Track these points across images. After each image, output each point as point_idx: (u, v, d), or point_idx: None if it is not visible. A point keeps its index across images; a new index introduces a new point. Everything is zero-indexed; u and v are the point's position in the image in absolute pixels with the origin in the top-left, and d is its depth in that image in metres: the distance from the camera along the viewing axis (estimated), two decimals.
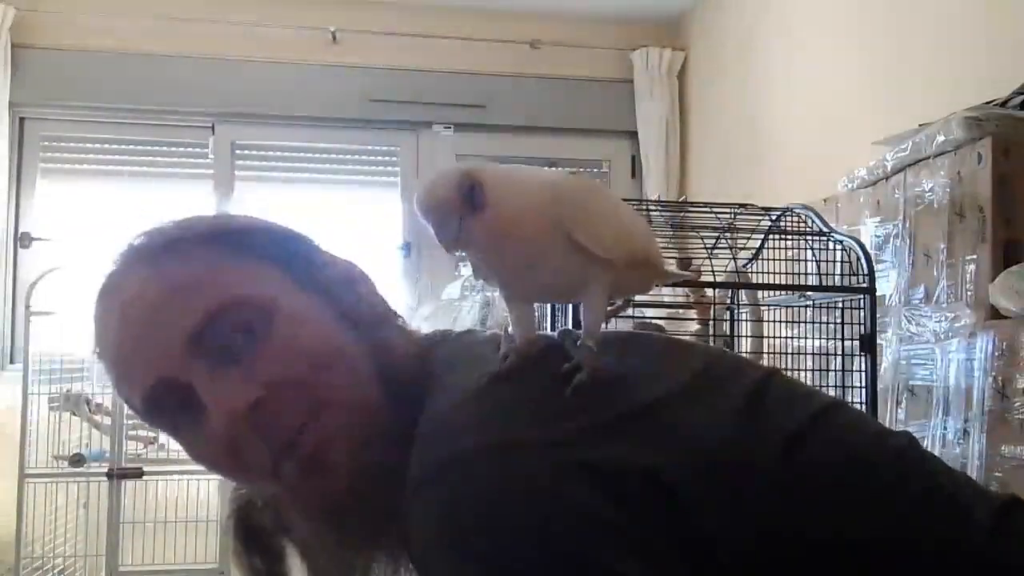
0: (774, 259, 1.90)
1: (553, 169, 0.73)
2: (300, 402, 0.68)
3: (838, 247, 1.78)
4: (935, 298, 1.77)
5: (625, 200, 2.36)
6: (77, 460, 2.88)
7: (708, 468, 0.63)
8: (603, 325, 0.75)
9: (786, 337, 1.96)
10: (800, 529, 0.64)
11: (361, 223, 3.99)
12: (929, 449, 1.71)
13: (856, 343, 1.72)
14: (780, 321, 1.95)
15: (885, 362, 1.87)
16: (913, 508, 0.67)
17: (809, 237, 1.82)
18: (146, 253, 0.72)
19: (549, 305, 1.88)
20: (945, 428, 1.70)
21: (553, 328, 2.06)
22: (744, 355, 1.97)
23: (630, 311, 1.82)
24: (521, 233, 0.68)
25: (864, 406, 1.72)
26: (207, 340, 0.68)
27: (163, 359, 0.68)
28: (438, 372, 0.73)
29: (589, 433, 0.62)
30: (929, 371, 1.77)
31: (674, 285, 1.96)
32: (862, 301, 1.72)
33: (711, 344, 1.90)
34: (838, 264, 1.78)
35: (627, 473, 0.60)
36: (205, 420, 0.68)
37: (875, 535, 0.65)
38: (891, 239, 1.93)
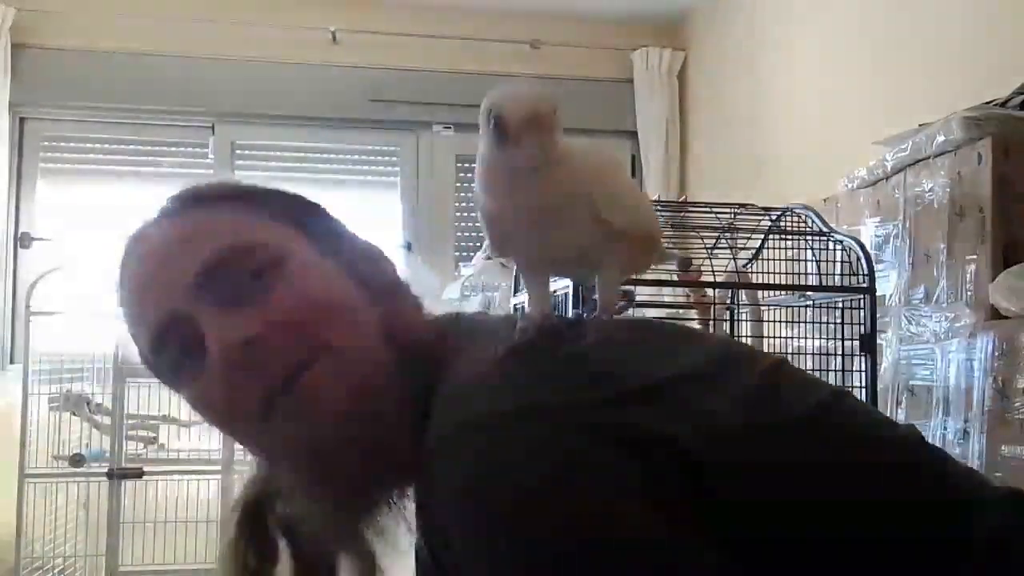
0: (774, 259, 1.89)
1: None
2: (299, 343, 0.69)
3: (838, 247, 1.77)
4: (935, 298, 1.77)
5: None
6: (77, 460, 2.88)
7: (724, 443, 0.63)
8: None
9: (786, 337, 1.95)
10: (810, 507, 0.64)
11: (361, 223, 3.98)
12: None
13: (856, 343, 1.72)
14: (780, 321, 1.95)
15: (885, 362, 1.87)
16: (923, 492, 0.67)
17: (809, 237, 1.81)
18: (172, 206, 0.76)
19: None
20: (945, 428, 1.70)
21: None
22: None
23: (630, 311, 1.82)
24: (568, 190, 0.71)
25: None
26: (218, 279, 0.70)
27: (173, 292, 0.70)
28: (455, 344, 0.73)
29: (611, 401, 0.63)
30: (929, 371, 1.77)
31: (674, 285, 1.96)
32: (862, 301, 1.72)
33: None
34: (838, 264, 1.78)
35: (649, 439, 0.61)
36: (205, 358, 0.69)
37: (884, 517, 0.65)
38: (891, 239, 1.93)
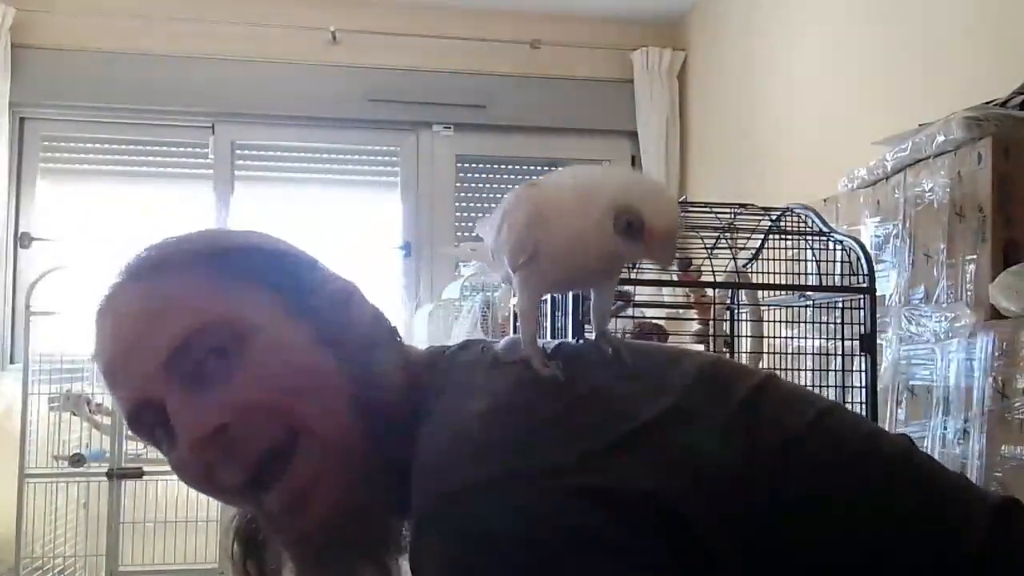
0: (774, 259, 1.89)
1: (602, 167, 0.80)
2: (271, 427, 0.68)
3: (838, 247, 1.77)
4: (935, 298, 1.77)
5: None
6: (77, 460, 2.88)
7: (705, 485, 0.63)
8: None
9: (786, 337, 1.95)
10: (798, 537, 0.64)
11: (361, 223, 3.99)
12: (929, 449, 1.71)
13: (856, 343, 1.72)
14: (780, 321, 1.95)
15: (885, 362, 1.87)
16: (909, 512, 0.67)
17: (809, 237, 1.81)
18: (140, 268, 0.73)
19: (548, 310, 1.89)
20: (945, 428, 1.70)
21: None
22: (744, 355, 1.98)
23: (630, 311, 1.83)
24: (586, 241, 0.71)
25: (864, 406, 1.72)
26: (182, 361, 0.68)
27: (142, 379, 0.69)
28: (431, 398, 0.72)
29: (587, 458, 0.62)
30: (929, 371, 1.77)
31: (674, 285, 1.96)
32: (862, 301, 1.72)
33: (705, 349, 1.90)
34: (838, 264, 1.78)
35: (627, 496, 0.60)
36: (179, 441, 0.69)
37: (872, 540, 0.65)
38: (891, 239, 1.92)
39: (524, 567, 0.58)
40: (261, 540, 0.77)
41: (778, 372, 1.92)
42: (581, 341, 0.80)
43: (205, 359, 0.69)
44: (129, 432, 2.91)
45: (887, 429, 1.84)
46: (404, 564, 0.73)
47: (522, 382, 0.69)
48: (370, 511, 0.70)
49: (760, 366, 1.97)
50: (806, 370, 1.87)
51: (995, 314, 1.61)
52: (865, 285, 1.71)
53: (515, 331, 2.24)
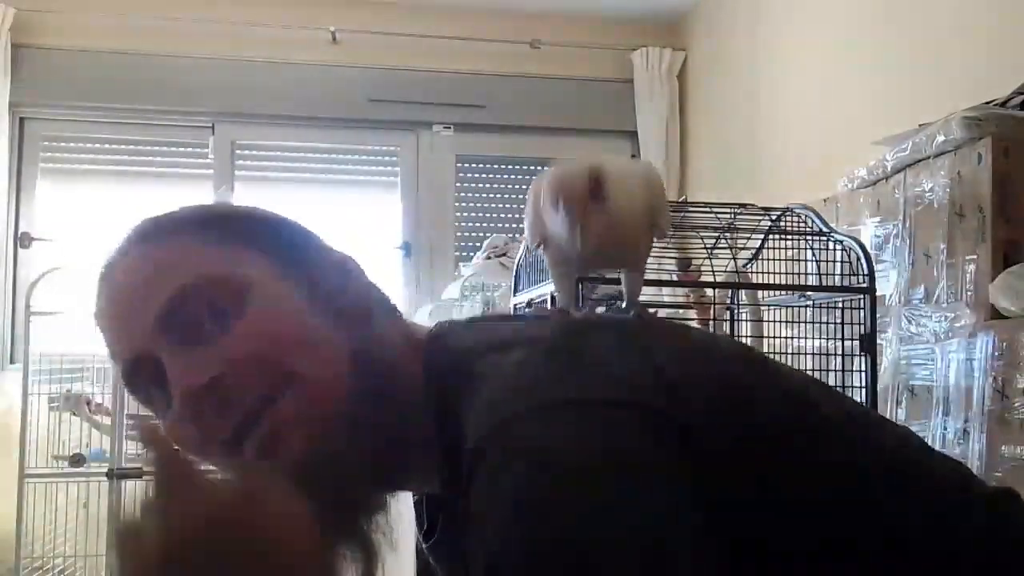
0: (774, 259, 1.89)
1: (638, 160, 0.86)
2: (261, 379, 0.69)
3: (838, 247, 1.77)
4: (935, 298, 1.77)
5: None
6: (77, 460, 2.88)
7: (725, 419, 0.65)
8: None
9: (786, 337, 1.95)
10: (790, 523, 0.65)
11: (361, 223, 3.99)
12: None
13: (856, 343, 1.72)
14: (780, 321, 1.95)
15: (885, 362, 1.87)
16: (905, 497, 0.68)
17: (809, 237, 1.81)
18: (137, 234, 0.75)
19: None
20: (945, 428, 1.70)
21: None
22: None
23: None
24: (630, 221, 0.75)
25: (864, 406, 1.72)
26: (177, 317, 0.69)
27: (137, 335, 0.70)
28: (456, 362, 0.71)
29: (637, 390, 0.63)
30: (929, 371, 1.77)
31: (674, 285, 1.96)
32: (862, 301, 1.72)
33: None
34: (838, 264, 1.78)
35: (673, 425, 0.62)
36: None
37: (869, 520, 0.65)
38: (891, 239, 1.92)
39: (588, 482, 0.58)
40: None
41: None
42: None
43: (200, 317, 0.69)
44: (130, 432, 2.93)
45: None
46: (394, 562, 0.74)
47: (562, 328, 0.72)
48: (348, 467, 0.69)
49: None
50: (806, 370, 1.86)
51: (995, 314, 1.61)
52: (865, 285, 1.71)
53: None
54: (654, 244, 0.82)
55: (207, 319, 0.69)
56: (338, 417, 0.69)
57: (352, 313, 0.74)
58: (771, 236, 1.87)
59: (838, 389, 1.72)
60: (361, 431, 0.69)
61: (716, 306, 1.92)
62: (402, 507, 0.77)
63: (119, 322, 0.72)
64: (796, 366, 1.91)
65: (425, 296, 3.80)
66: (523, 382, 0.64)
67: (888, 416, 1.86)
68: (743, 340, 1.98)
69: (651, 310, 2.00)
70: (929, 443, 1.74)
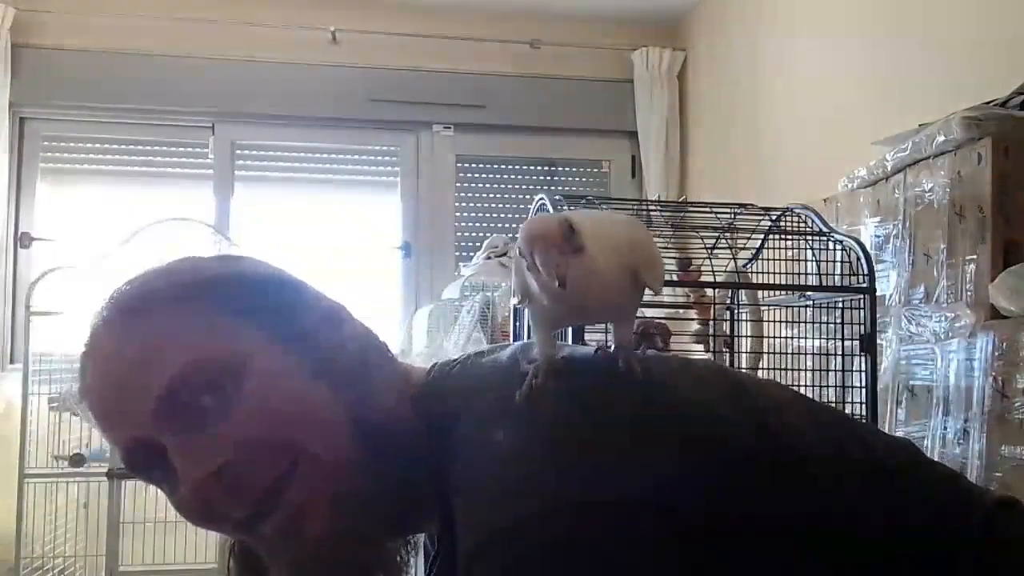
0: (774, 259, 1.89)
1: (621, 216, 0.80)
2: (269, 462, 0.68)
3: (838, 247, 1.77)
4: (935, 298, 1.77)
5: (625, 200, 2.36)
6: (77, 460, 2.88)
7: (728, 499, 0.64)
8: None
9: (786, 337, 1.95)
10: (795, 537, 0.65)
11: (361, 223, 3.99)
12: (929, 449, 1.71)
13: (856, 343, 1.72)
14: (780, 321, 1.95)
15: (885, 362, 1.87)
16: (904, 513, 0.68)
17: (809, 237, 1.81)
18: (124, 306, 0.72)
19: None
20: (945, 428, 1.70)
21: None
22: (744, 355, 1.98)
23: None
24: (610, 275, 0.72)
25: (864, 406, 1.72)
26: (176, 403, 0.67)
27: (135, 421, 0.68)
28: (448, 419, 0.71)
29: (630, 480, 0.63)
30: (929, 371, 1.77)
31: (674, 285, 1.96)
32: (862, 301, 1.72)
33: (704, 349, 1.90)
34: (838, 264, 1.78)
35: (677, 517, 0.62)
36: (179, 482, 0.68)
37: (872, 540, 0.65)
38: (891, 239, 1.93)
39: None
40: (258, 560, 0.76)
41: (778, 372, 1.92)
42: (596, 351, 0.79)
43: (199, 398, 0.67)
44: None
45: (887, 429, 1.84)
46: None
47: (552, 406, 0.68)
48: (368, 533, 0.69)
49: (760, 366, 1.97)
50: (806, 370, 1.87)
51: (995, 314, 1.61)
52: (865, 285, 1.71)
53: (514, 332, 2.24)
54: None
55: (207, 400, 0.68)
56: (351, 484, 0.69)
57: (348, 370, 0.72)
58: (771, 236, 1.87)
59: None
60: (373, 493, 0.69)
61: (716, 306, 1.92)
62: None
63: (114, 406, 0.70)
64: (796, 366, 1.91)
65: (425, 296, 3.80)
66: (522, 478, 0.63)
67: (888, 416, 1.85)
68: (744, 340, 1.98)
69: (651, 310, 2.00)
70: (929, 443, 1.74)
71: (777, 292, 1.93)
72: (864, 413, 1.72)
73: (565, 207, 1.73)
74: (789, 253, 1.89)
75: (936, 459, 1.71)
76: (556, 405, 0.67)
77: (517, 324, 2.19)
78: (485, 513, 0.63)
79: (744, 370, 1.99)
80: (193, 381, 0.67)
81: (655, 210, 1.95)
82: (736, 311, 1.99)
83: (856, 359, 1.73)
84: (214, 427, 0.67)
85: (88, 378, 0.72)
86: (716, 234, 1.81)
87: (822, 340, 1.85)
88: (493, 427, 0.66)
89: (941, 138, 1.75)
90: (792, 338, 1.97)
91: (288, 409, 0.69)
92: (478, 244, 3.42)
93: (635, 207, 2.07)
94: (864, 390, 1.71)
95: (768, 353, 1.96)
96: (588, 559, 0.59)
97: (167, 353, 0.68)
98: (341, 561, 0.69)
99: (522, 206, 3.99)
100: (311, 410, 0.69)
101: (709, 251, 1.76)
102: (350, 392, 0.71)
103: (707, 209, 1.86)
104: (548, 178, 4.22)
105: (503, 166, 4.15)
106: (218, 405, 0.67)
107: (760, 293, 1.96)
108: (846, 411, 1.77)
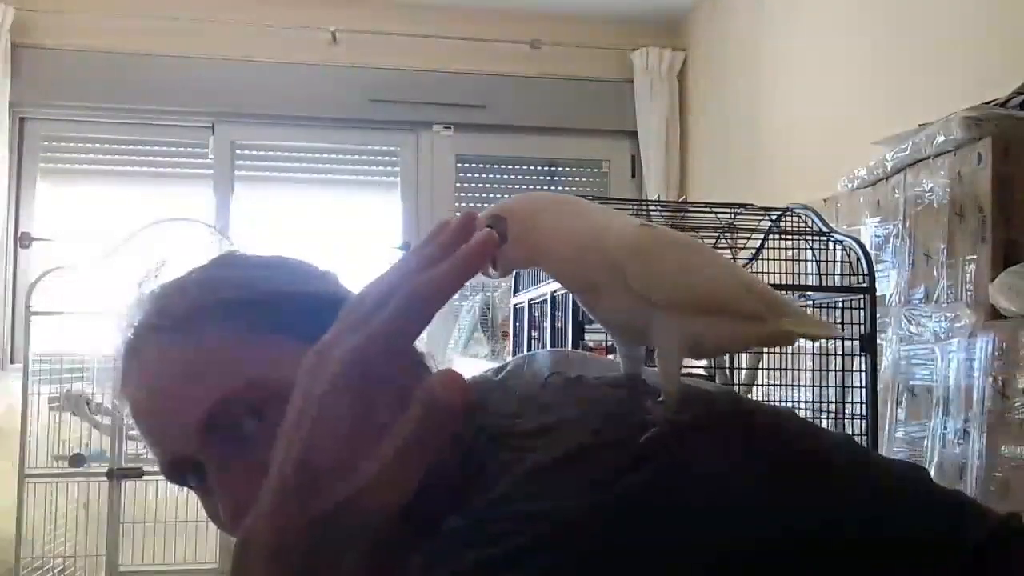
0: (774, 259, 1.89)
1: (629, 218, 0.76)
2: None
3: (838, 247, 1.78)
4: (935, 298, 1.77)
5: (625, 200, 2.36)
6: (77, 460, 2.88)
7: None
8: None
9: None
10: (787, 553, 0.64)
11: (361, 223, 4.00)
12: (929, 449, 1.71)
13: (856, 343, 1.72)
14: None
15: (885, 362, 1.87)
16: (903, 529, 0.67)
17: (809, 237, 1.82)
18: (173, 318, 0.72)
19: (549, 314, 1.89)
20: (945, 428, 1.70)
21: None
22: (743, 355, 1.97)
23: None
24: (553, 266, 0.71)
25: (864, 406, 1.72)
26: (219, 424, 0.68)
27: (178, 440, 0.69)
28: (484, 433, 0.70)
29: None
30: (929, 371, 1.77)
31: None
32: (862, 301, 1.72)
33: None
34: (838, 264, 1.78)
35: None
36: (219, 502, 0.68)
37: (866, 556, 0.65)
38: (891, 239, 1.93)
39: None
40: None
41: (778, 372, 1.92)
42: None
43: (242, 422, 0.68)
44: (130, 432, 2.93)
45: (887, 429, 1.84)
46: None
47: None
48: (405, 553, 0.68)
49: (760, 366, 1.97)
50: (806, 370, 1.87)
51: (995, 314, 1.61)
52: (865, 285, 1.71)
53: (514, 332, 2.23)
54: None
55: (249, 425, 0.68)
56: (389, 504, 0.69)
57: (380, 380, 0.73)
58: (771, 236, 1.87)
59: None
60: (398, 524, 0.69)
61: None
62: None
63: (158, 422, 0.71)
64: (796, 366, 1.91)
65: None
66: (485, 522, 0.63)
67: (888, 416, 1.85)
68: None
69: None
70: (929, 443, 1.74)
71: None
72: (864, 413, 1.72)
73: None
74: (789, 253, 1.90)
75: (936, 459, 1.72)
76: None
77: (517, 324, 2.19)
78: (460, 549, 0.62)
79: (744, 370, 1.99)
80: (238, 402, 0.68)
81: (655, 210, 1.95)
82: None
83: (856, 359, 1.73)
84: (253, 453, 0.66)
85: (133, 387, 0.72)
86: (716, 234, 1.81)
87: (822, 340, 1.85)
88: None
89: (941, 138, 1.75)
90: None
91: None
92: None
93: (635, 207, 2.07)
94: (864, 390, 1.71)
95: (768, 353, 1.96)
96: None
97: (214, 375, 0.68)
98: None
99: None
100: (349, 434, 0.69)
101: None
102: (385, 400, 0.71)
103: (707, 209, 1.86)
104: (548, 178, 4.22)
105: (503, 166, 4.15)
106: (261, 430, 0.67)
107: None
108: (846, 411, 1.77)
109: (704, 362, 1.90)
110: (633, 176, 4.13)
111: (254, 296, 0.73)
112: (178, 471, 0.71)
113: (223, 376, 0.68)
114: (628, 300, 0.69)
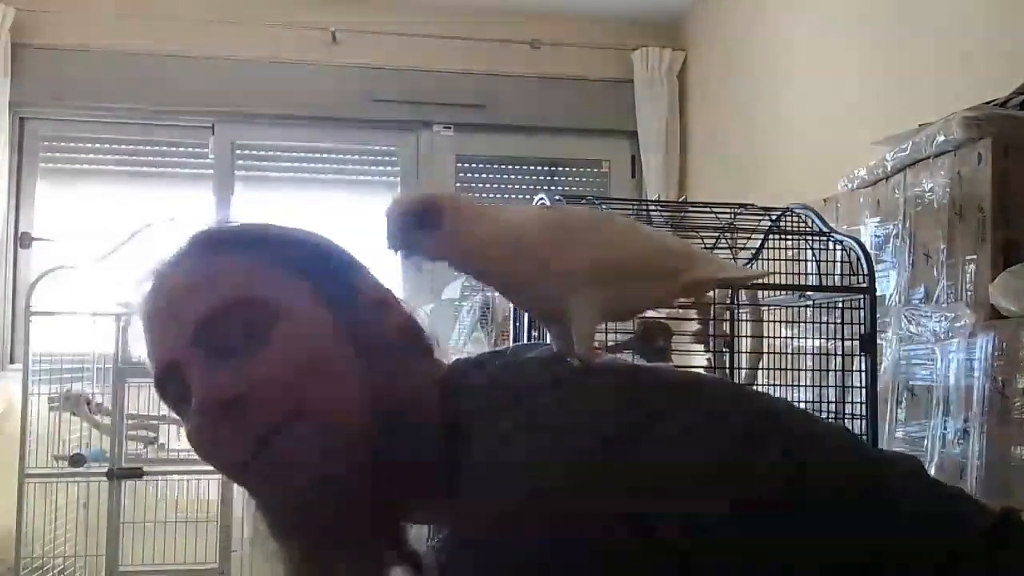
0: (774, 259, 1.89)
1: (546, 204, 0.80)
2: (277, 406, 0.70)
3: (838, 247, 1.78)
4: (935, 298, 1.77)
5: (625, 200, 2.36)
6: (77, 460, 2.88)
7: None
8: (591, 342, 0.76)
9: (786, 337, 1.96)
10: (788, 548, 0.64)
11: (361, 223, 3.99)
12: (929, 449, 1.71)
13: (856, 343, 1.72)
14: (780, 321, 1.95)
15: (885, 362, 1.87)
16: (899, 530, 0.66)
17: (809, 237, 1.82)
18: (198, 241, 0.78)
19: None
20: (945, 428, 1.70)
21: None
22: (744, 355, 1.98)
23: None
24: (485, 255, 0.75)
25: (864, 406, 1.72)
26: (210, 332, 0.72)
27: (173, 343, 0.73)
28: (471, 418, 0.72)
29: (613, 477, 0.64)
30: (929, 371, 1.77)
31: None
32: (862, 301, 1.72)
33: (704, 349, 1.90)
34: (838, 264, 1.78)
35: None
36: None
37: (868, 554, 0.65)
38: (891, 239, 1.93)
39: None
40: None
41: (778, 372, 1.92)
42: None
43: (233, 334, 0.71)
44: (130, 432, 2.93)
45: (887, 429, 1.84)
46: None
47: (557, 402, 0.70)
48: (356, 503, 0.70)
49: (760, 366, 1.97)
50: (806, 370, 1.87)
51: (995, 314, 1.61)
52: (865, 285, 1.71)
53: (514, 332, 2.23)
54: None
55: (240, 336, 0.71)
56: (348, 452, 0.70)
57: (381, 347, 0.75)
58: (771, 236, 1.87)
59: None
60: (369, 469, 0.70)
61: (716, 306, 1.92)
62: None
63: (158, 324, 0.75)
64: (796, 366, 1.91)
65: (425, 296, 3.80)
66: (498, 475, 0.66)
67: (888, 416, 1.85)
68: (744, 339, 1.98)
69: (651, 310, 2.00)
70: (929, 443, 1.74)
71: (777, 292, 1.94)
72: (864, 413, 1.72)
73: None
74: (789, 253, 1.89)
75: (936, 459, 1.72)
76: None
77: (517, 324, 2.19)
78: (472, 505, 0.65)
79: (744, 370, 1.99)
80: (230, 317, 0.72)
81: (655, 210, 1.95)
82: (736, 311, 1.99)
83: (856, 359, 1.73)
84: (238, 360, 0.70)
85: (148, 302, 0.77)
86: (716, 234, 1.81)
87: (822, 340, 1.86)
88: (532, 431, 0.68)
89: (941, 138, 1.75)
90: (792, 338, 1.97)
91: (309, 360, 0.72)
92: None
93: (635, 207, 2.07)
94: (864, 390, 1.71)
95: (768, 353, 1.96)
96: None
97: (217, 286, 0.73)
98: (325, 516, 0.70)
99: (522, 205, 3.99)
100: (332, 370, 0.72)
101: (709, 251, 1.76)
102: (377, 367, 0.73)
103: (707, 209, 1.87)
104: (548, 178, 4.22)
105: (503, 166, 4.15)
106: (247, 343, 0.71)
107: (760, 293, 1.96)
108: (846, 411, 1.77)
109: (704, 362, 1.90)
110: (633, 176, 4.12)
111: (277, 235, 0.81)
112: (169, 386, 0.74)
113: (223, 289, 0.73)
114: (546, 286, 0.73)
